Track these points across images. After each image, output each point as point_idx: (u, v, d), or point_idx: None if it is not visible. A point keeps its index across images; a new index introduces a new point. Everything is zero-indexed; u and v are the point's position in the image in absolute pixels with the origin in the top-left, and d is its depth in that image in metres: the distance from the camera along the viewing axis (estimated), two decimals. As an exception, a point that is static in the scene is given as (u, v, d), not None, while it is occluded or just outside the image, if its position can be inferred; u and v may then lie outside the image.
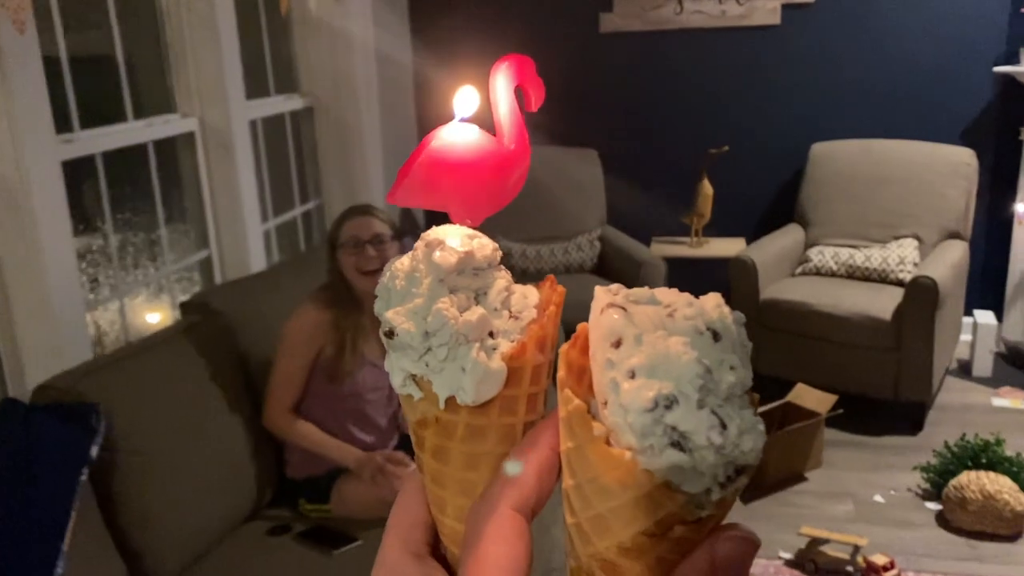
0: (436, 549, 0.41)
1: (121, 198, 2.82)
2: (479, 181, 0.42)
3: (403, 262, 0.39)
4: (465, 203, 0.42)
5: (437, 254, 0.38)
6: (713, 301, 0.34)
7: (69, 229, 2.29)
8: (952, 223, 4.07)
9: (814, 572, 2.81)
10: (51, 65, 2.36)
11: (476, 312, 0.38)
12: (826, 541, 2.85)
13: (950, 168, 4.09)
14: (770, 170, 4.59)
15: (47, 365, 2.11)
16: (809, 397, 3.49)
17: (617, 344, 0.33)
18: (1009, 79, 4.19)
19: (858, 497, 3.27)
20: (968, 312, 4.31)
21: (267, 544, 2.24)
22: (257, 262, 3.25)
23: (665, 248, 4.43)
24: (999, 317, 4.30)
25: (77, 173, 2.55)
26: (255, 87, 3.42)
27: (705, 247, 4.45)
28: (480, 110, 0.43)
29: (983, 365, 4.18)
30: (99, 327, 2.62)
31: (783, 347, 3.92)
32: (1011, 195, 4.28)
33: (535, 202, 4.36)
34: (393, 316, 0.38)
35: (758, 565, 2.88)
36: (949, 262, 3.77)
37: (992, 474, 3.00)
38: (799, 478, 3.41)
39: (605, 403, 0.33)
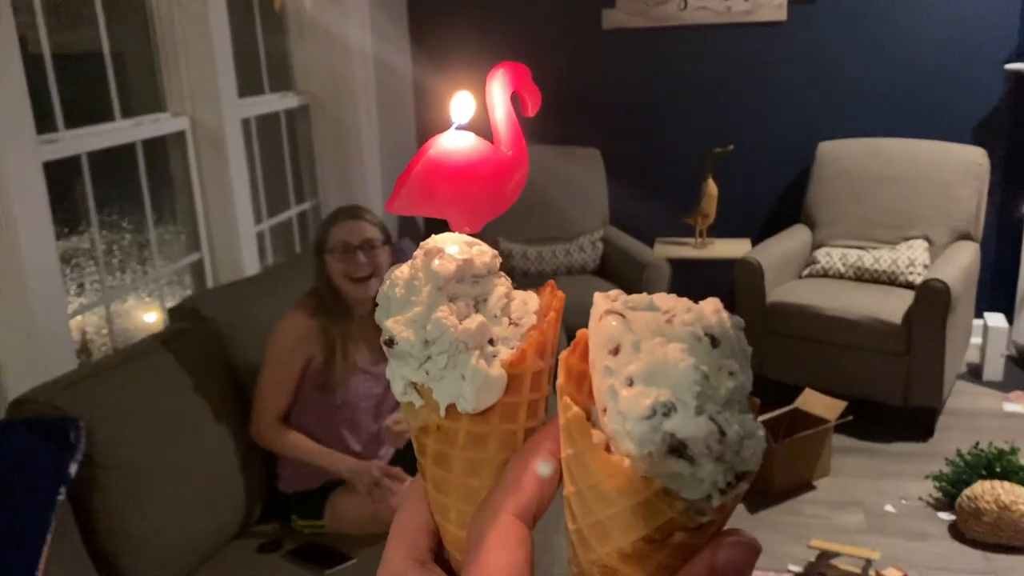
0: (440, 555, 0.41)
1: (108, 200, 2.73)
2: (477, 188, 0.42)
3: (403, 270, 0.39)
4: (464, 210, 0.42)
5: (436, 262, 0.38)
6: (712, 306, 0.34)
7: (51, 233, 2.20)
8: (963, 224, 3.98)
9: (824, 586, 2.73)
10: (34, 63, 2.27)
11: (475, 320, 0.37)
12: (837, 554, 2.77)
13: (960, 167, 4.00)
14: (775, 170, 4.50)
15: (28, 376, 2.02)
16: (817, 403, 3.40)
17: (615, 351, 0.33)
18: (1021, 76, 4.10)
19: (868, 506, 3.18)
20: (978, 314, 4.22)
21: (257, 562, 2.15)
22: (250, 265, 3.16)
23: (669, 249, 4.33)
24: (1010, 320, 4.21)
25: (62, 174, 2.46)
26: (248, 85, 3.33)
27: (709, 248, 4.36)
28: (477, 117, 0.43)
29: (994, 369, 4.09)
30: (85, 334, 2.53)
31: (789, 351, 3.83)
32: (1022, 195, 4.19)
33: (536, 203, 4.27)
34: (393, 325, 0.38)
35: (766, 579, 2.80)
36: (960, 264, 3.68)
37: (1007, 484, 2.91)
38: (807, 486, 3.32)
39: (604, 410, 0.33)
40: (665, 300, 0.34)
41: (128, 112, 2.73)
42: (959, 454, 3.17)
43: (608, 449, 0.33)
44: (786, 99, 4.40)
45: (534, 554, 0.36)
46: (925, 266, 3.86)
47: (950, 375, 3.64)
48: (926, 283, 3.47)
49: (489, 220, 0.43)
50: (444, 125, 0.43)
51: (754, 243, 4.32)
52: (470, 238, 0.40)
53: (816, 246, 4.20)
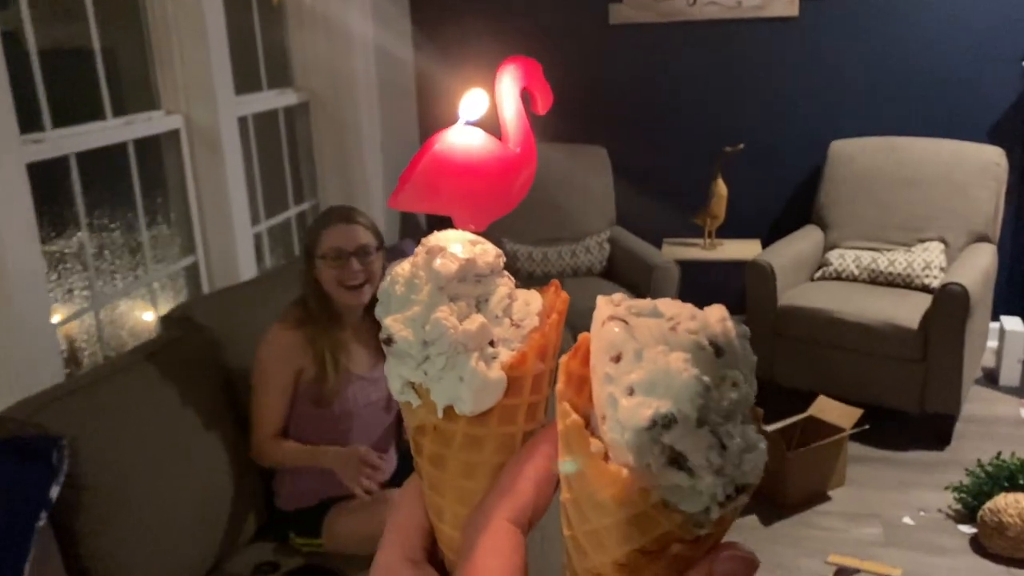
0: (434, 555, 0.40)
1: (99, 202, 2.62)
2: (483, 185, 0.41)
3: (404, 267, 0.38)
4: (469, 208, 0.41)
5: (438, 261, 0.37)
6: (717, 314, 0.33)
7: (36, 237, 2.10)
8: (980, 225, 3.87)
9: (843, 604, 2.63)
10: (19, 58, 2.16)
11: (476, 321, 0.37)
12: (857, 571, 2.66)
13: (978, 167, 3.89)
14: (786, 169, 4.39)
15: (10, 390, 1.90)
16: (832, 411, 3.29)
17: (617, 359, 0.32)
18: (1040, 74, 3.99)
19: (886, 519, 3.07)
20: (994, 317, 4.11)
21: (252, 584, 2.05)
22: (247, 268, 3.05)
23: (677, 250, 4.23)
24: (1027, 324, 4.10)
25: (50, 175, 2.36)
26: (246, 81, 3.22)
27: (719, 250, 4.25)
28: (485, 113, 0.42)
29: (1011, 374, 3.98)
30: (73, 343, 2.42)
31: (802, 357, 3.73)
32: (1041, 196, 4.09)
33: (541, 202, 4.17)
34: (392, 323, 0.37)
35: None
36: (979, 268, 3.57)
37: (1031, 497, 2.81)
38: (822, 497, 3.22)
39: (603, 418, 0.33)
40: (669, 306, 0.34)
41: (119, 110, 2.62)
42: (980, 464, 3.06)
43: (606, 457, 0.32)
44: (798, 97, 4.29)
45: (527, 559, 0.36)
46: (942, 269, 3.75)
47: (967, 381, 3.54)
48: (944, 287, 3.37)
49: (495, 219, 0.42)
50: (448, 123, 0.41)
51: (764, 244, 4.22)
52: (474, 236, 0.39)
53: (828, 248, 4.09)
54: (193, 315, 2.33)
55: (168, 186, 2.91)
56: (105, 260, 2.63)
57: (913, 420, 3.57)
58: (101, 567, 1.76)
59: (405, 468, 2.31)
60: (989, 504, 2.85)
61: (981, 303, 3.52)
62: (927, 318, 3.43)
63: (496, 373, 0.37)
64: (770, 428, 3.16)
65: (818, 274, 3.99)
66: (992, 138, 4.04)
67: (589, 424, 0.34)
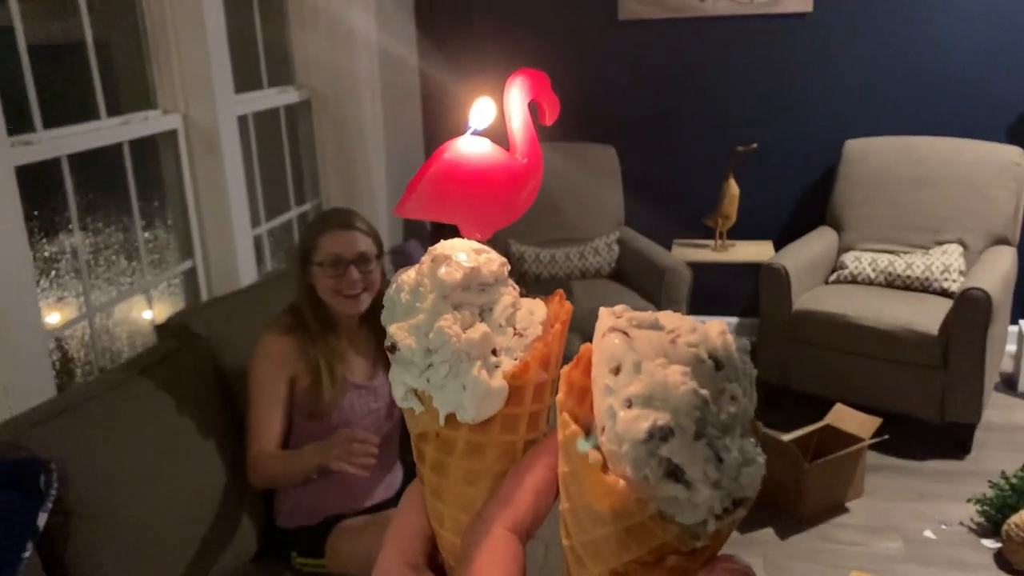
0: (434, 560, 0.41)
1: (93, 205, 2.52)
2: (490, 195, 0.41)
3: (409, 275, 0.38)
4: (475, 217, 0.42)
5: (443, 269, 0.37)
6: (717, 328, 0.33)
7: (25, 243, 2.00)
8: (1000, 228, 3.77)
9: (865, 623, 2.53)
10: (8, 55, 2.06)
11: (479, 330, 0.37)
12: (880, 589, 2.57)
13: (998, 168, 3.79)
14: (800, 169, 4.28)
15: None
16: (850, 419, 3.19)
17: (616, 370, 0.32)
18: (1062, 72, 3.88)
19: (906, 532, 2.98)
20: (1013, 321, 4.01)
21: (253, 609, 1.95)
22: (247, 272, 2.95)
23: (687, 252, 4.12)
24: (1047, 328, 4.01)
25: (41, 177, 2.26)
26: (245, 79, 3.12)
27: (730, 251, 4.15)
28: (493, 123, 0.42)
29: (1030, 380, 3.89)
30: (66, 353, 2.32)
31: (817, 362, 3.63)
32: (1061, 197, 3.97)
33: (549, 203, 4.07)
34: (396, 331, 0.37)
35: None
36: (999, 271, 3.47)
37: (1059, 511, 2.71)
38: (840, 508, 3.12)
39: (603, 429, 0.33)
40: (670, 319, 0.34)
41: (114, 110, 2.52)
42: (1003, 476, 2.97)
43: (605, 468, 0.32)
44: (811, 95, 4.18)
45: (526, 568, 0.36)
46: (961, 272, 3.65)
47: (987, 388, 3.44)
48: (966, 292, 3.27)
49: (500, 228, 0.43)
50: (454, 128, 0.43)
51: (776, 246, 4.12)
52: (479, 245, 0.39)
53: (843, 250, 3.99)
54: (190, 324, 2.23)
55: (165, 188, 2.81)
56: (100, 266, 2.52)
57: (932, 428, 3.48)
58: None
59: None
60: (1014, 518, 2.75)
61: (1002, 308, 3.42)
62: (947, 324, 3.33)
63: (498, 382, 0.37)
64: (787, 438, 3.06)
65: (833, 277, 3.89)
66: (1012, 138, 3.94)
67: (591, 433, 0.34)
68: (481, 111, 0.42)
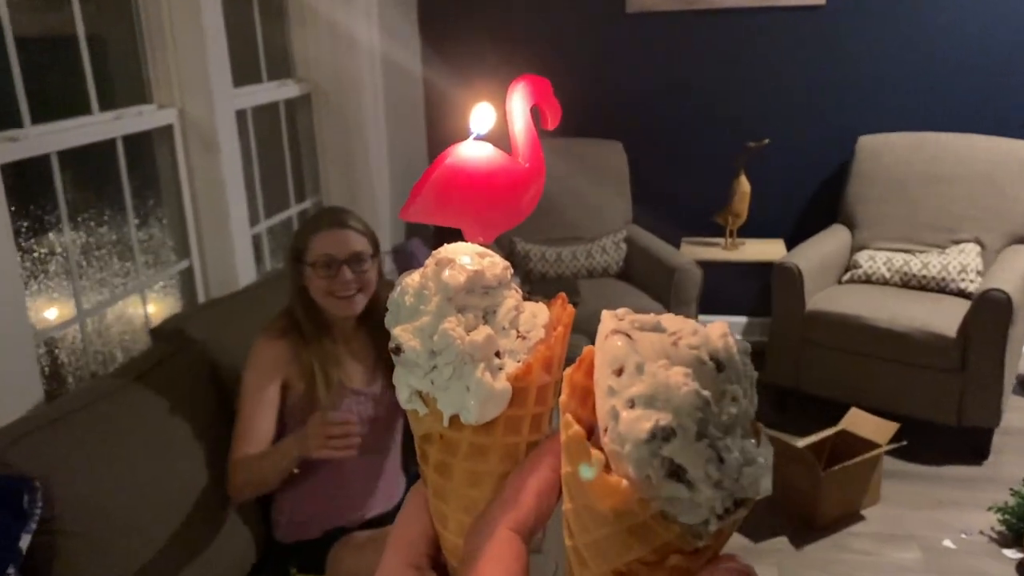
0: (437, 561, 0.41)
1: (85, 203, 2.43)
2: (493, 199, 0.42)
3: (413, 278, 0.39)
4: (478, 220, 0.42)
5: (447, 272, 0.38)
6: (719, 330, 0.34)
7: (11, 243, 1.91)
8: (1019, 227, 3.67)
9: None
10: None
11: (483, 332, 0.37)
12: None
13: (1016, 164, 3.69)
14: (812, 165, 4.18)
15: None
16: (865, 424, 3.10)
17: (619, 372, 0.33)
18: (1082, 66, 3.78)
19: (925, 541, 2.89)
20: (1030, 323, 3.91)
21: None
22: (246, 272, 2.86)
23: (696, 250, 4.03)
24: (1065, 329, 3.91)
25: (29, 174, 2.17)
26: (244, 73, 3.02)
27: (740, 250, 4.05)
28: (496, 127, 0.43)
29: (1048, 383, 3.80)
30: (56, 359, 2.23)
31: (831, 365, 3.54)
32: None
33: (555, 200, 3.97)
34: (400, 332, 0.38)
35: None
36: (1019, 271, 3.37)
37: (1084, 522, 2.62)
38: (855, 516, 3.03)
39: (605, 430, 0.33)
40: (672, 321, 0.34)
41: (107, 104, 2.42)
42: (1025, 484, 2.88)
43: (608, 469, 0.33)
44: (824, 89, 4.08)
45: (529, 569, 0.36)
46: (978, 272, 3.56)
47: (1006, 391, 3.35)
48: (986, 294, 3.17)
49: (503, 231, 0.43)
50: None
51: (788, 245, 4.02)
52: (482, 248, 0.40)
53: (857, 249, 3.89)
54: (186, 328, 2.15)
55: (160, 185, 2.71)
56: (92, 267, 2.43)
57: (948, 433, 3.39)
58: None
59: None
60: (1038, 528, 2.67)
61: (1022, 309, 3.32)
62: (966, 325, 3.24)
63: (502, 384, 0.37)
64: (801, 444, 2.97)
65: (846, 277, 3.80)
66: (1030, 134, 3.84)
67: (593, 435, 0.34)
68: (481, 116, 0.42)
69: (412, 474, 2.27)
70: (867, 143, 3.96)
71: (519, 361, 0.38)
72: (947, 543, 2.87)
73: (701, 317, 3.86)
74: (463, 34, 4.25)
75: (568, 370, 0.37)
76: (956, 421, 3.31)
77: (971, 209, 3.73)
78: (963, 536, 2.90)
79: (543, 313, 0.40)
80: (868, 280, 3.74)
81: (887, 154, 3.92)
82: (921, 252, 3.72)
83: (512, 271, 0.40)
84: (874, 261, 3.73)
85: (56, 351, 2.23)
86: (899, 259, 3.69)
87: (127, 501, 1.71)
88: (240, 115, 2.97)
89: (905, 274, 3.66)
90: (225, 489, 1.93)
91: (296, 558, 2.03)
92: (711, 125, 4.20)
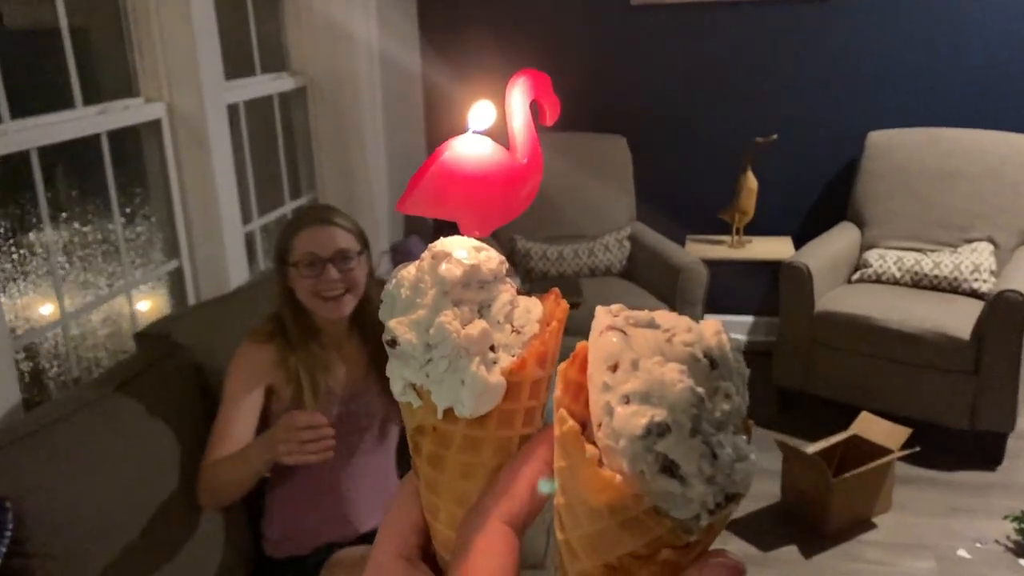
0: (428, 552, 0.41)
1: (68, 201, 2.33)
2: (490, 194, 0.42)
3: (409, 271, 0.39)
4: (475, 215, 0.42)
5: (443, 266, 0.38)
6: (712, 328, 0.34)
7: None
8: (1033, 225, 3.58)
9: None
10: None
11: (478, 326, 0.37)
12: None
13: (1031, 162, 3.59)
14: (820, 161, 4.08)
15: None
16: (877, 429, 3.02)
17: (614, 368, 0.33)
18: (1099, 60, 3.68)
19: (939, 550, 2.80)
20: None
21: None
22: (238, 272, 2.76)
23: (701, 249, 3.93)
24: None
25: (9, 169, 2.07)
26: (237, 65, 2.92)
27: (747, 248, 3.96)
28: (496, 122, 0.43)
29: (1062, 385, 3.70)
30: (36, 364, 2.14)
31: (840, 367, 3.45)
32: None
33: (556, 197, 3.88)
34: (396, 325, 0.38)
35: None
36: (1034, 272, 3.28)
37: (1105, 532, 2.53)
38: (867, 524, 2.94)
39: (599, 425, 0.33)
40: (666, 318, 0.34)
41: (92, 98, 2.32)
42: (1042, 492, 2.79)
43: (601, 463, 0.33)
44: (833, 83, 3.98)
45: (520, 561, 0.36)
46: (992, 272, 3.46)
47: (1021, 395, 3.25)
48: (1001, 295, 3.08)
49: (499, 226, 0.43)
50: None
51: (796, 243, 3.93)
52: (478, 243, 0.40)
53: (866, 247, 3.80)
54: (172, 332, 2.05)
55: (148, 183, 2.61)
56: (76, 268, 2.33)
57: (961, 437, 3.30)
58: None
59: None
60: (1057, 538, 2.58)
61: (1037, 310, 3.23)
62: (980, 327, 3.15)
63: (496, 378, 0.37)
64: (812, 449, 2.88)
65: (856, 276, 3.70)
66: (1045, 130, 3.74)
67: (585, 430, 0.34)
68: (480, 113, 0.42)
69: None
70: (877, 139, 3.87)
71: (514, 355, 0.38)
72: (962, 552, 2.78)
73: (706, 316, 3.76)
74: (463, 25, 4.15)
75: (562, 365, 0.37)
76: (969, 425, 3.22)
77: (984, 207, 3.63)
78: (978, 545, 2.81)
79: (537, 308, 0.40)
80: (878, 280, 3.65)
81: (897, 150, 3.82)
82: (932, 251, 3.62)
83: (507, 265, 0.40)
84: (884, 260, 3.64)
85: (37, 356, 2.13)
86: (910, 258, 3.60)
87: (107, 520, 1.62)
88: (232, 109, 2.87)
89: (916, 274, 3.56)
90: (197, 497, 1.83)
91: (288, 575, 1.94)
92: (717, 120, 4.10)
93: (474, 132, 0.42)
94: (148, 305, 2.66)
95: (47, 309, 2.17)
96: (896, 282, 3.61)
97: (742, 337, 4.32)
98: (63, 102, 2.22)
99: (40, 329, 2.16)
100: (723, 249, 3.96)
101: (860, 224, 3.87)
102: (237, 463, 1.75)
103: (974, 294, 3.44)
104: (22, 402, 1.88)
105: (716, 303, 3.95)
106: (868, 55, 3.92)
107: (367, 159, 3.45)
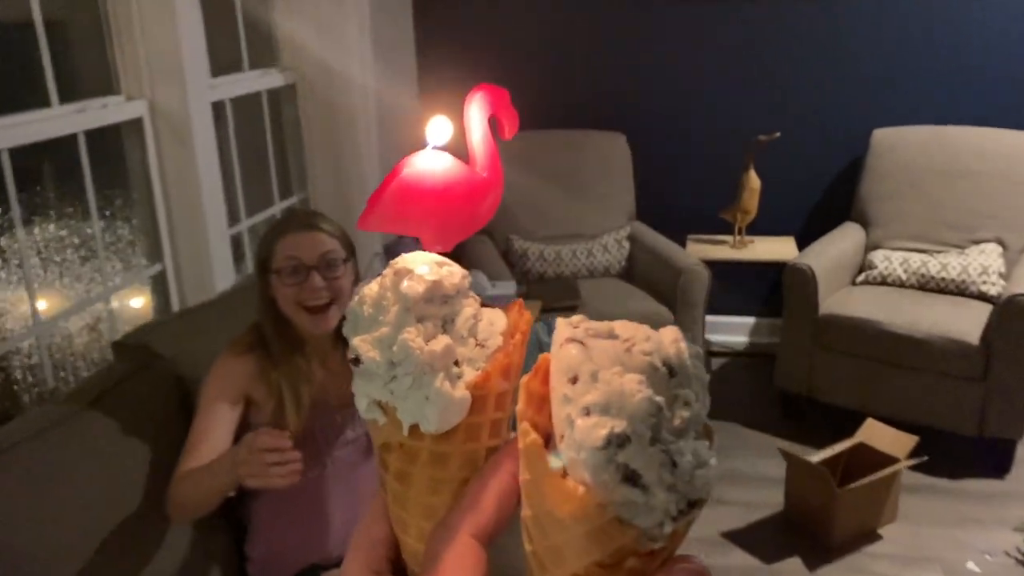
0: (398, 566, 0.41)
1: (44, 204, 2.24)
2: (451, 208, 0.42)
3: (372, 288, 0.39)
4: (437, 230, 0.42)
5: (405, 283, 0.38)
6: (671, 335, 0.34)
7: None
8: (1043, 226, 3.49)
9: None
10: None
11: (441, 342, 0.37)
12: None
13: (1041, 161, 3.50)
14: (824, 160, 4.00)
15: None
16: (883, 437, 2.93)
17: (574, 380, 0.33)
18: (1110, 57, 3.59)
19: (946, 563, 2.72)
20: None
21: None
22: (224, 276, 2.67)
23: (703, 249, 3.84)
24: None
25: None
26: (223, 61, 2.82)
27: (749, 248, 3.87)
28: (454, 137, 0.43)
29: (1070, 389, 3.61)
30: (8, 375, 2.04)
31: (844, 372, 3.36)
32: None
33: (553, 196, 3.79)
34: (360, 343, 0.38)
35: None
36: (1045, 274, 3.20)
37: (1121, 546, 2.45)
38: (872, 535, 2.86)
39: (561, 437, 0.33)
40: (626, 328, 0.35)
41: (69, 96, 2.22)
42: (1054, 503, 2.71)
43: (565, 475, 0.33)
44: (837, 81, 3.89)
45: (496, 573, 0.36)
46: (1000, 274, 3.37)
47: (1030, 401, 3.17)
48: (1011, 299, 3.00)
49: (461, 240, 0.43)
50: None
51: (799, 243, 3.84)
52: (441, 258, 0.40)
53: (871, 248, 3.71)
54: (152, 342, 1.95)
55: (129, 184, 2.52)
56: (53, 273, 2.24)
57: (968, 444, 3.21)
58: None
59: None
60: (1070, 552, 2.50)
61: (1048, 315, 3.15)
62: (989, 332, 3.07)
63: (461, 392, 0.37)
64: (816, 458, 2.80)
65: (860, 278, 3.61)
66: (1055, 128, 3.65)
67: (550, 443, 0.35)
68: (437, 129, 0.43)
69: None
70: (882, 137, 3.78)
71: (478, 369, 0.38)
72: (971, 565, 2.70)
73: (707, 318, 3.68)
74: (460, 20, 4.06)
75: (525, 378, 0.37)
76: (977, 432, 3.14)
77: (992, 207, 3.54)
78: (987, 558, 2.73)
79: (500, 320, 0.40)
80: (883, 282, 3.56)
81: (903, 148, 3.73)
82: (939, 252, 3.54)
83: (470, 279, 0.39)
84: (890, 262, 3.55)
85: (9, 369, 2.04)
86: (916, 259, 3.51)
87: (78, 548, 1.52)
88: (218, 107, 2.77)
89: (923, 276, 3.47)
90: (194, 526, 1.74)
91: (271, 598, 1.85)
92: (719, 117, 4.01)
93: (433, 147, 0.42)
94: (124, 316, 2.56)
95: (20, 317, 2.08)
96: (902, 284, 3.52)
97: (743, 339, 4.23)
98: (38, 100, 2.12)
99: (13, 339, 2.06)
100: (725, 249, 3.87)
101: (865, 224, 3.78)
102: (203, 477, 1.65)
103: (982, 297, 3.35)
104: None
105: (716, 304, 3.86)
106: (873, 51, 3.83)
107: (360, 157, 3.35)
